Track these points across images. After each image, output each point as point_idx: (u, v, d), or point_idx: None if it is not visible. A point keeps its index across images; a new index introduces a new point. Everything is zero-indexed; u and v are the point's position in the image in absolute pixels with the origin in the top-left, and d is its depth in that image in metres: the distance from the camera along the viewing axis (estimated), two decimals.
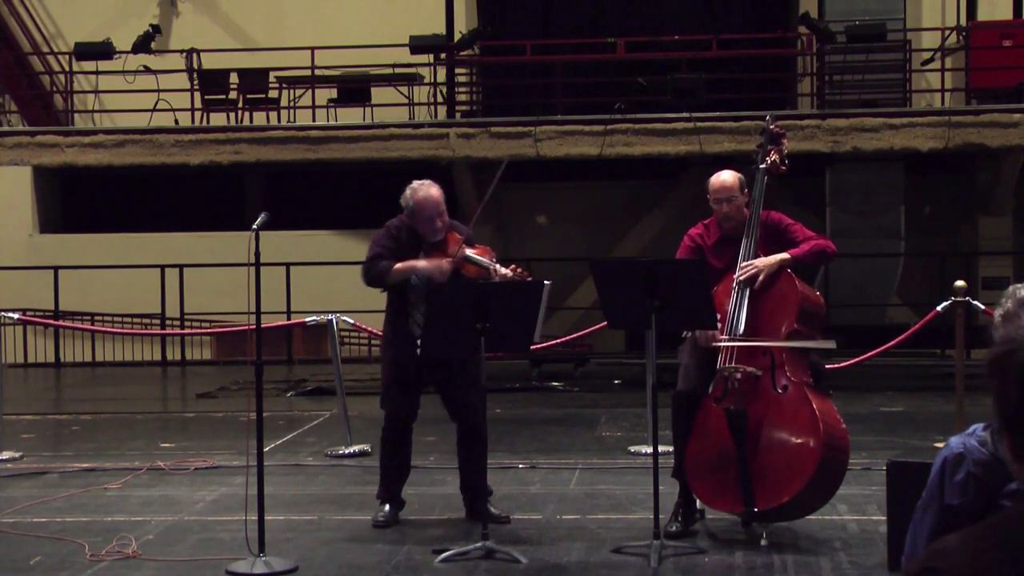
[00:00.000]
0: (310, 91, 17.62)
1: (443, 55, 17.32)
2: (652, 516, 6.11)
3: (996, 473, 3.08)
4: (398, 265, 6.66)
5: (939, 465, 3.25)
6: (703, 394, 6.43)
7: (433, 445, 8.78)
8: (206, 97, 17.68)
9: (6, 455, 9.05)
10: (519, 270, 6.66)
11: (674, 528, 6.47)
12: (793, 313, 6.37)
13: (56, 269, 16.90)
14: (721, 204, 6.56)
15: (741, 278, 6.41)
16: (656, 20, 18.58)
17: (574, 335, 11.36)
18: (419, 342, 6.42)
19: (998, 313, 3.41)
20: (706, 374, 6.46)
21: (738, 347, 6.33)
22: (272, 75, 17.65)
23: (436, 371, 6.76)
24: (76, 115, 18.73)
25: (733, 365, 6.32)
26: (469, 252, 6.66)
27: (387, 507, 6.88)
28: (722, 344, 6.34)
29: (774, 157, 6.71)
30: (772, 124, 6.81)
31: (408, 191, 6.77)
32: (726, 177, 6.62)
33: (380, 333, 10.91)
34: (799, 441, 6.22)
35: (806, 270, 6.69)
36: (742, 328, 6.35)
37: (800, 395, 6.27)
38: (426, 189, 6.73)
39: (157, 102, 17.34)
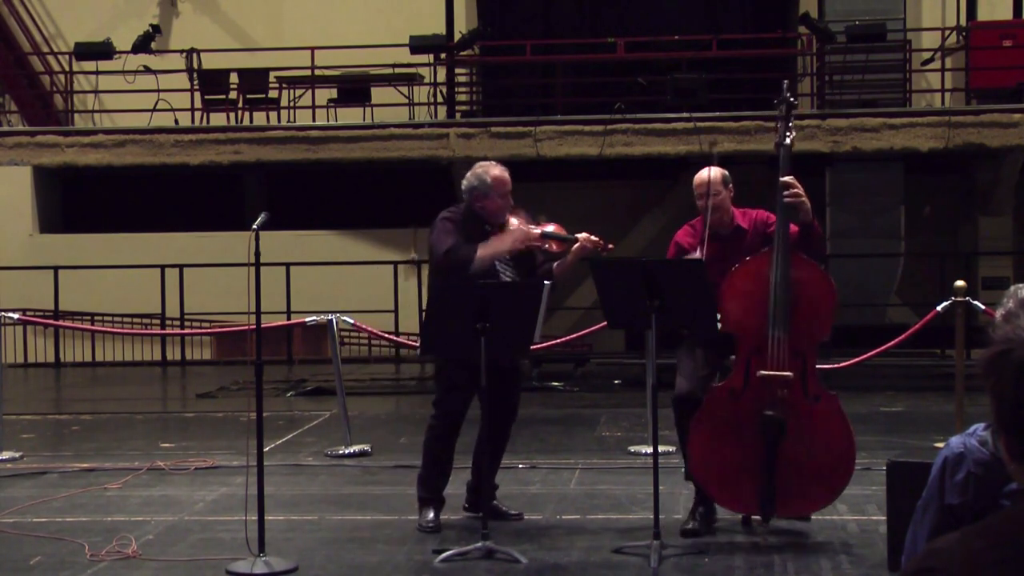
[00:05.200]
0: (310, 91, 17.62)
1: (443, 55, 17.31)
2: (652, 516, 6.11)
3: (996, 473, 3.08)
4: (481, 252, 6.43)
5: (939, 465, 3.26)
6: (703, 395, 6.38)
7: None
8: (206, 97, 17.67)
9: (6, 455, 9.05)
10: (597, 240, 6.61)
11: (691, 526, 6.44)
12: (829, 321, 6.28)
13: (56, 269, 16.90)
14: (704, 199, 6.48)
15: (789, 200, 6.21)
16: (656, 20, 18.56)
17: (574, 335, 11.36)
18: (419, 341, 6.39)
19: (999, 313, 3.41)
20: (705, 374, 6.43)
21: (785, 349, 6.16)
22: (272, 75, 17.64)
23: (497, 369, 6.49)
24: (76, 115, 18.73)
25: (774, 373, 6.15)
26: (548, 228, 6.65)
27: (431, 509, 6.72)
28: (768, 345, 6.19)
29: (793, 133, 6.49)
30: (788, 92, 6.57)
31: (479, 169, 6.64)
32: (705, 173, 6.54)
33: (380, 333, 10.97)
34: (833, 457, 6.17)
35: None
36: (783, 330, 6.16)
37: (832, 407, 6.20)
38: (501, 168, 6.67)
39: (157, 102, 17.34)
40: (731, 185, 6.56)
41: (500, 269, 6.61)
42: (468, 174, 6.69)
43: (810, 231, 6.31)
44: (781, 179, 6.27)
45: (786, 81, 6.89)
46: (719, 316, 6.25)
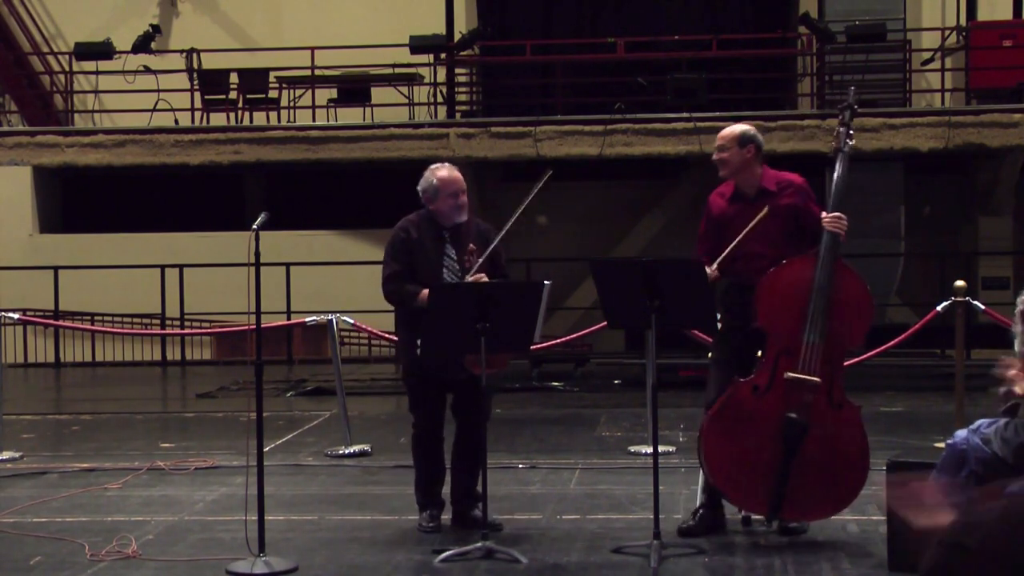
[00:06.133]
0: (310, 91, 17.63)
1: (443, 55, 17.32)
2: (652, 516, 6.11)
3: (997, 472, 3.10)
4: (424, 294, 6.47)
5: (945, 459, 3.28)
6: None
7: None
8: (206, 97, 17.68)
9: (6, 455, 9.05)
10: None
11: (687, 525, 6.42)
12: (863, 331, 6.24)
13: (56, 269, 16.90)
14: (718, 153, 6.48)
15: (833, 229, 6.18)
16: (656, 20, 18.58)
17: (574, 335, 11.36)
18: (419, 342, 6.38)
19: (1019, 310, 3.44)
20: (729, 377, 6.40)
21: (819, 356, 6.12)
22: (272, 75, 17.66)
23: (461, 371, 6.51)
24: (76, 115, 18.74)
25: (802, 376, 6.12)
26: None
27: (428, 512, 6.73)
28: (802, 347, 6.15)
29: (853, 140, 6.44)
30: (854, 97, 6.53)
31: (428, 172, 6.70)
32: (729, 129, 6.55)
33: (380, 333, 10.95)
34: (847, 469, 6.15)
35: None
36: (820, 337, 6.12)
37: (853, 417, 6.18)
38: (449, 168, 6.71)
39: (157, 102, 17.35)
40: (752, 145, 6.46)
41: (448, 279, 6.61)
42: (426, 172, 6.73)
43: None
44: (827, 214, 6.23)
45: (852, 87, 6.85)
46: (755, 311, 6.21)
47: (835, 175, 6.37)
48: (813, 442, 6.14)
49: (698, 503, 6.62)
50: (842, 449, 6.17)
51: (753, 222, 6.25)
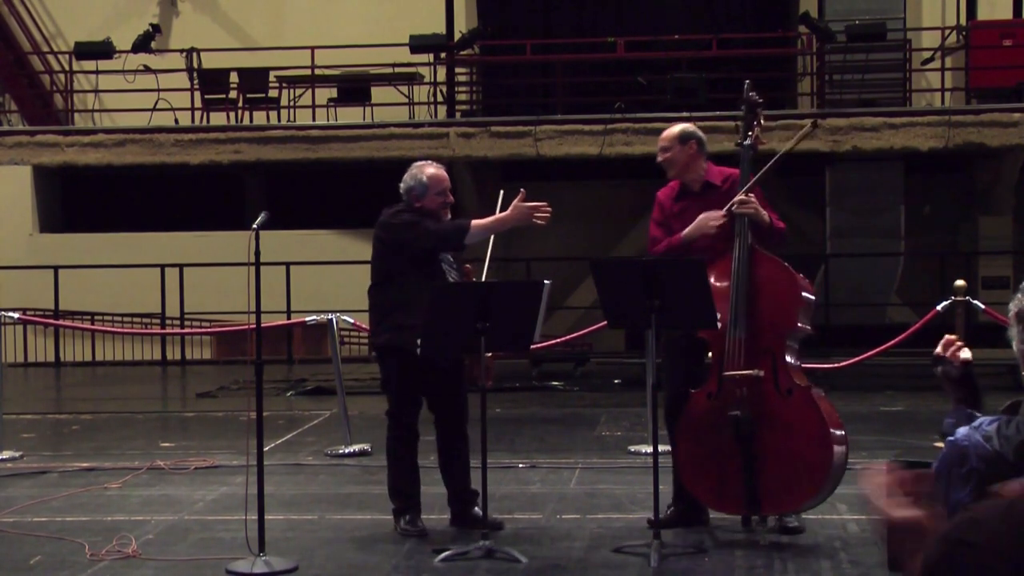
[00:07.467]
0: (310, 91, 17.63)
1: (443, 55, 17.32)
2: (652, 516, 6.11)
3: (999, 469, 3.10)
4: (481, 222, 6.50)
5: (945, 457, 3.28)
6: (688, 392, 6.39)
7: (433, 444, 8.74)
8: (206, 97, 17.68)
9: (6, 455, 9.05)
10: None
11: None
12: (793, 313, 6.25)
13: (56, 269, 16.90)
14: (659, 155, 6.59)
15: (742, 211, 6.28)
16: (656, 20, 18.58)
17: (574, 335, 11.36)
18: (419, 342, 6.38)
19: (1013, 312, 3.43)
20: (686, 371, 6.43)
21: (744, 347, 6.21)
22: (272, 75, 17.65)
23: (436, 368, 6.57)
24: (76, 115, 18.74)
25: (739, 372, 6.18)
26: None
27: (408, 516, 6.68)
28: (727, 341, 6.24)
29: (756, 131, 6.57)
30: (752, 92, 6.66)
31: (414, 170, 6.65)
32: (669, 130, 6.65)
33: None
34: (809, 452, 6.14)
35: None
36: (744, 330, 6.21)
37: (806, 400, 6.17)
38: (436, 167, 6.71)
39: (157, 102, 17.35)
40: (693, 142, 6.58)
41: (445, 270, 6.62)
42: (405, 175, 6.70)
43: (771, 232, 6.38)
44: (736, 199, 6.35)
45: (747, 82, 6.94)
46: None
47: (743, 171, 6.48)
48: (767, 433, 6.17)
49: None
50: (800, 434, 6.16)
51: (798, 136, 6.44)
